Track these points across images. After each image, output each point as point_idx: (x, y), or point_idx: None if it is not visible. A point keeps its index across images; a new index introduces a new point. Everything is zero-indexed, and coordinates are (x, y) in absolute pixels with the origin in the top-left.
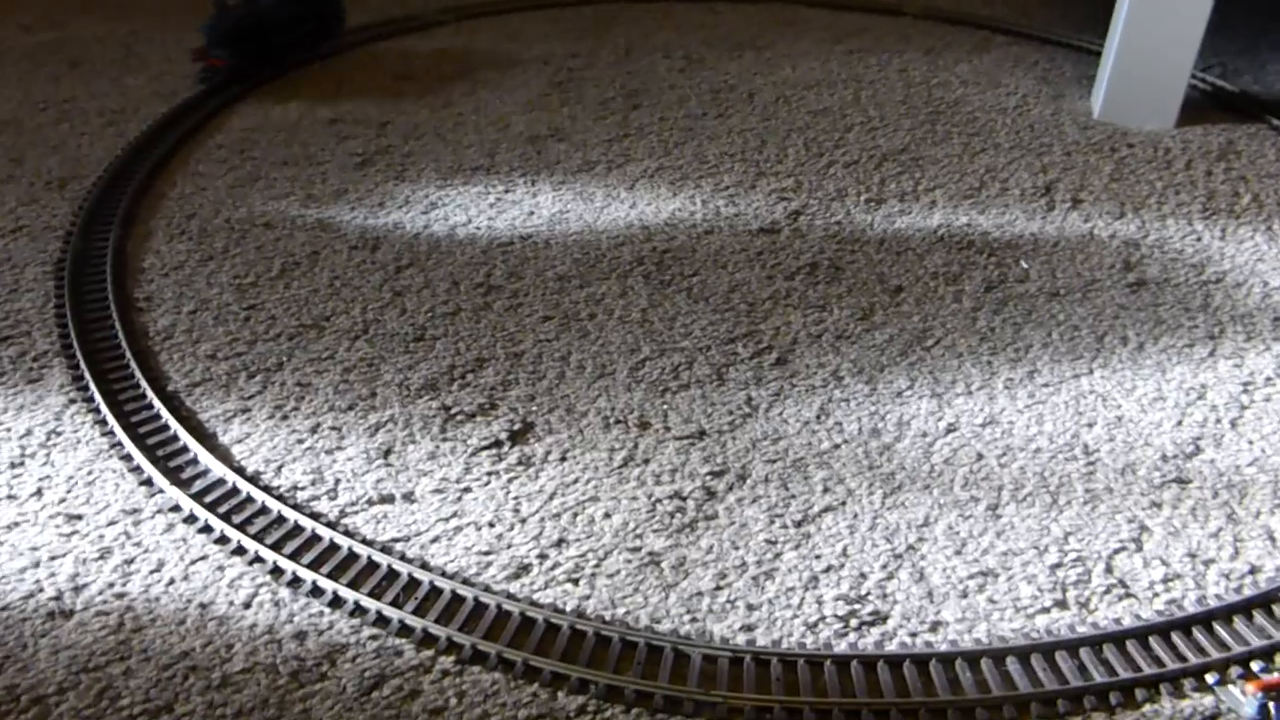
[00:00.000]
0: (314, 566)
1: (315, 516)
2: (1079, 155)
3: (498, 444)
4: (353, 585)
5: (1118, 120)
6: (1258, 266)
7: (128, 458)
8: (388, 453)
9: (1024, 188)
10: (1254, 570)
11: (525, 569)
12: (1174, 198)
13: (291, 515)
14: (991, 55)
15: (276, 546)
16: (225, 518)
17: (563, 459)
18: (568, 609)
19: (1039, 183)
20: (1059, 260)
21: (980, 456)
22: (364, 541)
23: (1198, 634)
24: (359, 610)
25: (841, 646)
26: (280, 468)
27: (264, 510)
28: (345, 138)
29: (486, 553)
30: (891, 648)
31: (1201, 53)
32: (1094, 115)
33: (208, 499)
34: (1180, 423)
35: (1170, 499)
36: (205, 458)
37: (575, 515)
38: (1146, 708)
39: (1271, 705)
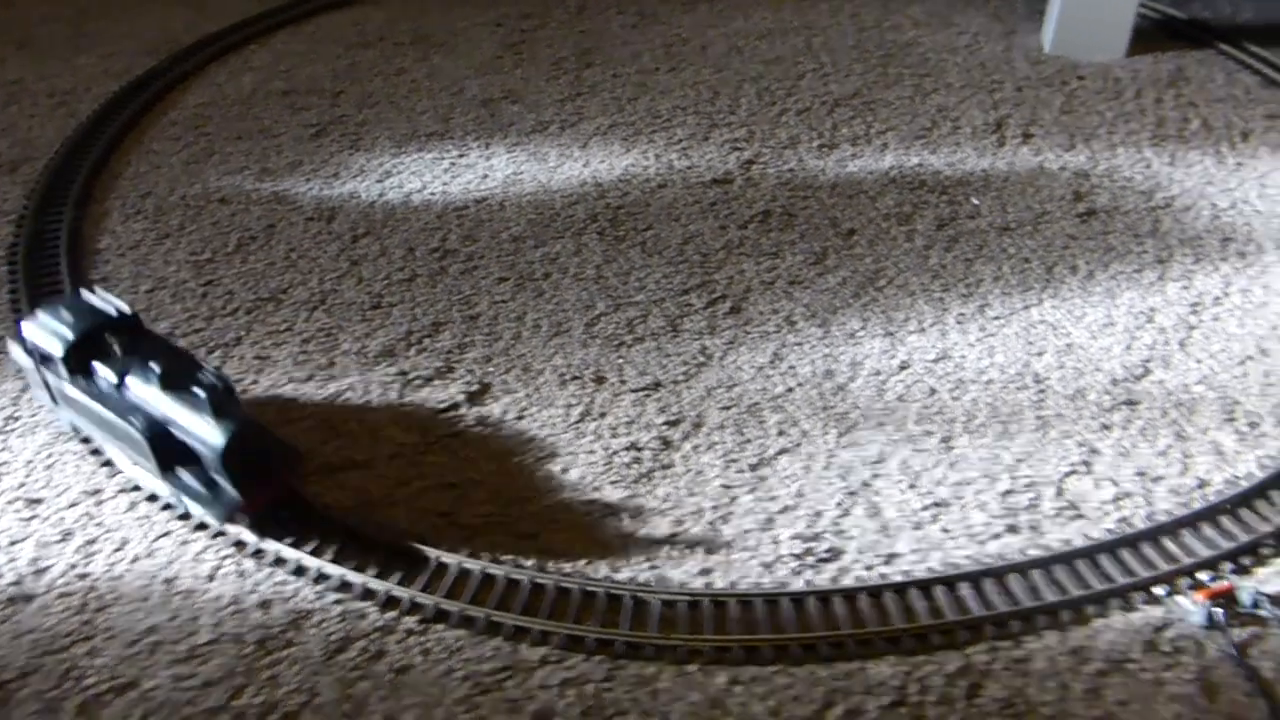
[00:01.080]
0: (276, 536)
1: None
2: (1030, 90)
3: (455, 406)
4: (315, 553)
5: (1069, 53)
6: (1206, 189)
7: (87, 439)
8: (347, 420)
9: (975, 125)
10: (1203, 484)
11: (486, 527)
12: (1124, 126)
13: None
14: None
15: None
16: None
17: (520, 417)
18: (528, 564)
19: (990, 119)
20: (1010, 195)
21: (933, 391)
22: (325, 508)
23: (1147, 549)
24: (323, 577)
25: (798, 584)
26: None
27: None
28: (299, 109)
29: (447, 513)
30: (847, 582)
31: None
32: (1045, 49)
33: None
34: (1129, 346)
35: (1120, 421)
36: None
37: (534, 472)
38: (1097, 622)
39: (1218, 612)
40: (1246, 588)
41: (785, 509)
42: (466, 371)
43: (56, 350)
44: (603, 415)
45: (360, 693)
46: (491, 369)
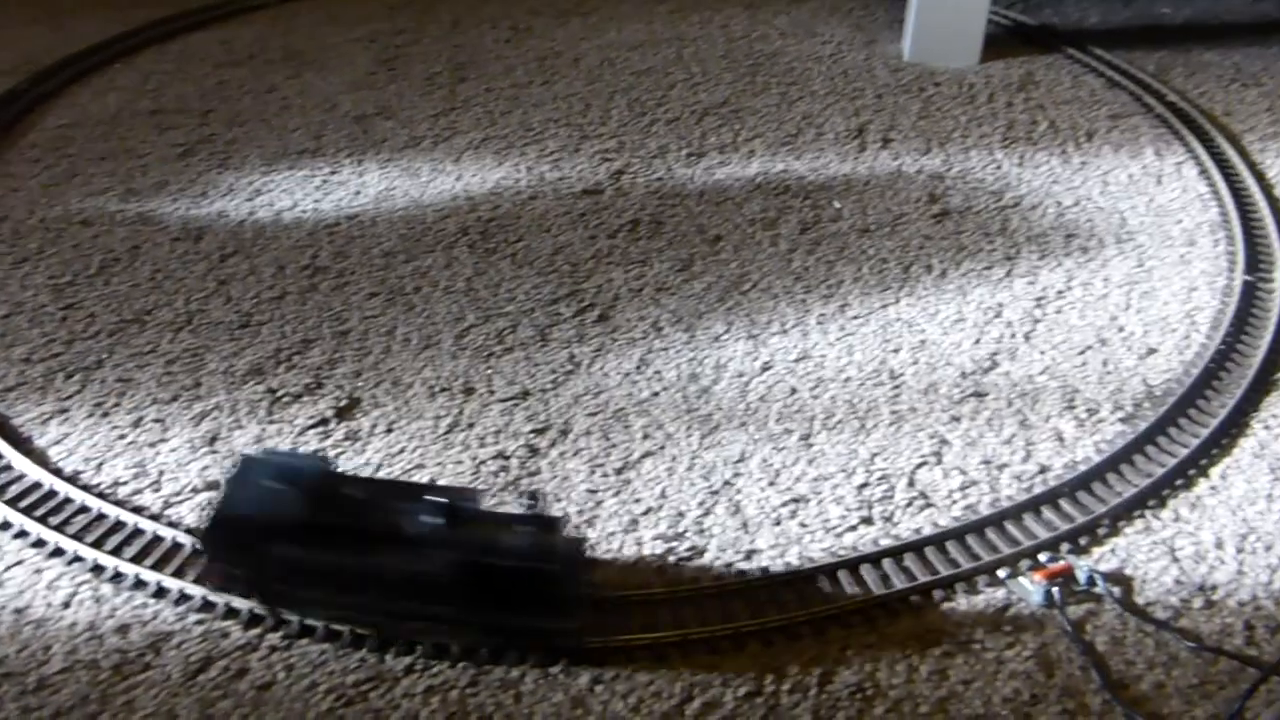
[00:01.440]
0: (137, 560)
1: (138, 510)
2: (889, 96)
3: (324, 421)
4: (177, 574)
5: (926, 60)
6: (1052, 188)
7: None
8: (213, 440)
9: (838, 131)
10: (1043, 470)
11: None
12: (977, 130)
13: (113, 511)
14: (809, 6)
15: (97, 544)
16: (42, 520)
17: (389, 430)
18: None
19: (852, 125)
20: (870, 198)
21: (794, 390)
22: (188, 530)
23: (991, 534)
24: (184, 598)
25: (658, 584)
26: (100, 465)
27: (83, 509)
28: (167, 128)
29: None
30: (708, 579)
31: None
32: (904, 57)
33: (22, 504)
34: (978, 341)
35: (969, 412)
36: (20, 462)
37: None
38: (944, 606)
39: (1055, 590)
40: (1082, 566)
41: (649, 510)
42: (336, 387)
43: (300, 518)
44: (471, 425)
45: (221, 712)
46: (361, 383)
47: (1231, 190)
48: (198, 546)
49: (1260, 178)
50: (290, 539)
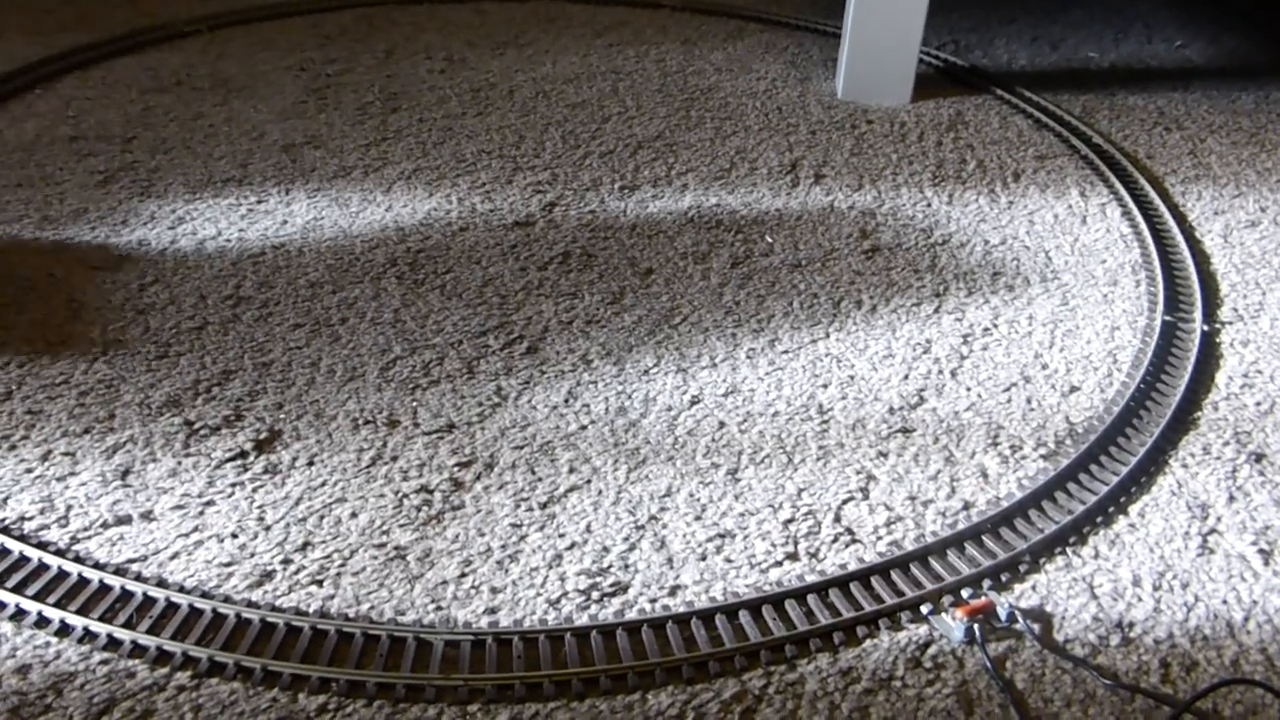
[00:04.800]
0: (40, 597)
1: (43, 546)
2: (822, 133)
3: (243, 454)
4: (82, 611)
5: (858, 99)
6: (980, 227)
7: None
8: (126, 473)
9: (771, 166)
10: (967, 506)
11: (268, 576)
12: (907, 168)
13: (16, 547)
14: (744, 43)
15: None
16: None
17: (310, 463)
18: (311, 610)
19: (785, 161)
20: (801, 233)
21: (722, 425)
22: (95, 565)
23: (915, 570)
24: (89, 636)
25: (582, 619)
26: (5, 500)
27: None
28: (87, 155)
29: (228, 564)
30: (631, 615)
31: (936, 31)
32: (837, 95)
33: None
34: (907, 376)
35: (895, 448)
36: None
37: (321, 518)
38: (867, 643)
39: (976, 627)
40: (1003, 603)
41: (573, 545)
42: (256, 419)
43: None
44: (394, 459)
45: None
46: (282, 416)
47: (1153, 231)
48: None
49: (1181, 220)
50: None
